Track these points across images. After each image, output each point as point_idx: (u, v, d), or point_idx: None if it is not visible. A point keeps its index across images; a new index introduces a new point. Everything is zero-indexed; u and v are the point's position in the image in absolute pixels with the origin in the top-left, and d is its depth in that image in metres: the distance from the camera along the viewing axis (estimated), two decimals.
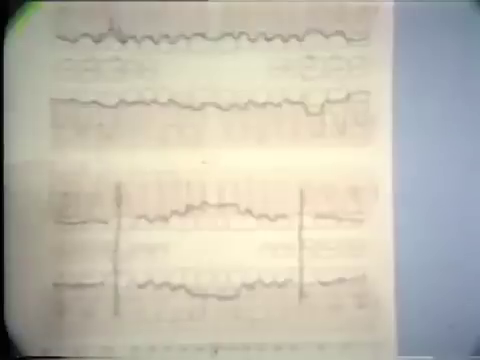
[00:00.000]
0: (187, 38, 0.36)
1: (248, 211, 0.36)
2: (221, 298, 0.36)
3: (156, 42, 0.36)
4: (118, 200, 0.36)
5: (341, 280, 0.36)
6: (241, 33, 0.36)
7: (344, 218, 0.36)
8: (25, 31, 0.35)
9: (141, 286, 0.36)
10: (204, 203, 0.36)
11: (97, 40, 0.36)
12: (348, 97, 0.36)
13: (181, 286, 0.36)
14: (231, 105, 0.36)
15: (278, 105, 0.36)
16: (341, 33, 0.36)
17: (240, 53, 0.36)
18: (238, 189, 0.36)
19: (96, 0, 0.35)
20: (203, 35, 0.36)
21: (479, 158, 0.36)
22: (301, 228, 0.36)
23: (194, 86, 0.36)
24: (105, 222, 0.36)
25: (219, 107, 0.36)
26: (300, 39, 0.36)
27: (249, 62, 0.36)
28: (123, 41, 0.36)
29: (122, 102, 0.36)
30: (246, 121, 0.36)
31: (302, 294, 0.36)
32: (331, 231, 0.36)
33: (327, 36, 0.36)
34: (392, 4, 0.35)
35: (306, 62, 0.36)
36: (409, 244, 0.35)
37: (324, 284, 0.36)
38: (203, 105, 0.36)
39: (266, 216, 0.36)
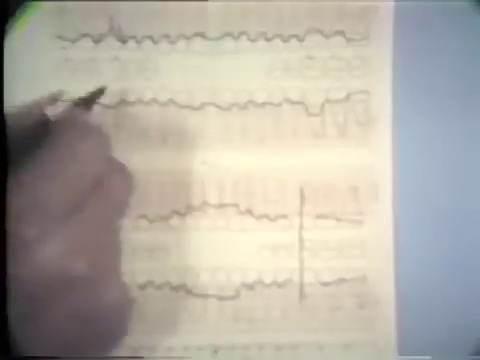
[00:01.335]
0: (187, 38, 0.36)
1: (248, 211, 0.36)
2: (221, 298, 0.36)
3: (156, 42, 0.36)
4: None
5: (341, 280, 0.36)
6: (241, 33, 0.36)
7: (344, 218, 0.36)
8: (25, 30, 0.35)
9: (141, 286, 0.36)
10: (204, 203, 0.36)
11: (97, 40, 0.36)
12: (348, 97, 0.36)
13: (181, 286, 0.36)
14: (231, 105, 0.36)
15: (278, 105, 0.36)
16: (341, 33, 0.36)
17: (240, 53, 0.36)
18: (238, 189, 0.36)
19: (96, 0, 0.35)
20: (203, 35, 0.36)
21: None
22: (301, 228, 0.36)
23: (194, 86, 0.36)
24: None
25: (219, 107, 0.36)
26: (300, 39, 0.36)
27: (249, 62, 0.36)
28: (123, 41, 0.36)
29: (122, 102, 0.36)
30: (246, 121, 0.36)
31: (302, 294, 0.36)
32: (331, 231, 0.36)
33: (327, 36, 0.36)
34: (392, 4, 0.35)
35: (306, 62, 0.36)
36: (409, 244, 0.35)
37: (324, 284, 0.36)
38: (203, 105, 0.36)
39: (266, 216, 0.36)
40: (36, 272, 0.26)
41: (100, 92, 0.34)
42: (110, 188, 0.30)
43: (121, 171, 0.31)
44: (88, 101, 0.34)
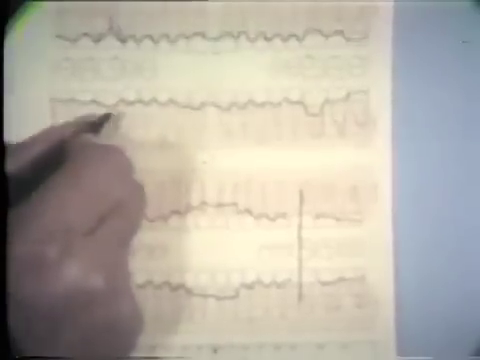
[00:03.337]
0: (187, 38, 0.36)
1: (247, 211, 0.36)
2: (220, 298, 0.36)
3: (155, 42, 0.36)
4: None
5: (340, 280, 0.36)
6: (241, 33, 0.36)
7: (343, 218, 0.36)
8: (25, 30, 0.35)
9: (141, 286, 0.36)
10: (203, 203, 0.36)
11: (96, 40, 0.36)
12: (347, 97, 0.36)
13: (180, 286, 0.36)
14: (231, 105, 0.36)
15: (278, 105, 0.36)
16: (340, 33, 0.36)
17: (240, 53, 0.36)
18: (237, 189, 0.36)
19: (96, 0, 0.35)
20: (203, 35, 0.36)
21: (479, 158, 0.36)
22: (300, 228, 0.36)
23: (193, 86, 0.36)
24: None
25: (219, 107, 0.36)
26: (300, 39, 0.36)
27: (249, 62, 0.36)
28: (123, 41, 0.36)
29: (121, 102, 0.36)
30: (246, 121, 0.36)
31: (301, 294, 0.36)
32: (330, 231, 0.36)
33: (326, 36, 0.36)
34: (392, 4, 0.35)
35: (305, 62, 0.36)
36: (408, 244, 0.35)
37: (323, 284, 0.36)
38: (202, 105, 0.36)
39: (265, 216, 0.36)
40: (57, 289, 0.27)
41: (107, 117, 0.35)
42: (128, 207, 0.30)
43: (139, 191, 0.32)
44: (96, 126, 0.34)
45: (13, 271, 0.26)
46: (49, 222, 0.27)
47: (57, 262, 0.27)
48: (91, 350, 0.28)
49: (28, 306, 0.27)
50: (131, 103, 0.36)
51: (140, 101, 0.36)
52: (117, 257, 0.30)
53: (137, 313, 0.30)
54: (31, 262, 0.27)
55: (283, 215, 0.36)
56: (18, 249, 0.27)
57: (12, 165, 0.30)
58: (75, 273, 0.27)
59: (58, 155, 0.30)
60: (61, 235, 0.27)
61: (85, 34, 0.36)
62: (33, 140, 0.32)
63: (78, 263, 0.27)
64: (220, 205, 0.36)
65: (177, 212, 0.36)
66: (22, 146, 0.32)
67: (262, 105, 0.36)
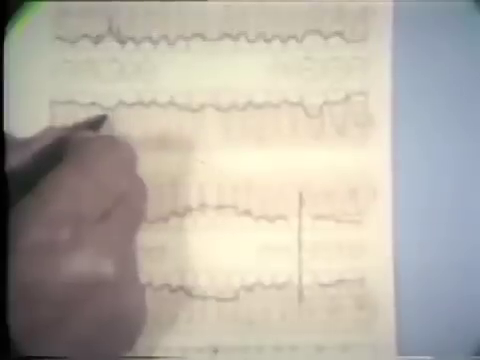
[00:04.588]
0: (186, 39, 0.36)
1: (247, 212, 0.36)
2: (220, 300, 0.36)
3: (155, 43, 0.36)
4: None
5: (340, 281, 0.36)
6: (240, 34, 0.36)
7: (343, 219, 0.36)
8: (25, 31, 0.35)
9: None
10: (203, 204, 0.36)
11: (96, 41, 0.36)
12: (347, 98, 0.36)
13: (180, 288, 0.36)
14: (230, 106, 0.36)
15: (277, 106, 0.36)
16: (340, 34, 0.36)
17: (239, 54, 0.36)
18: (237, 190, 0.36)
19: (95, 0, 0.35)
20: (202, 36, 0.36)
21: (479, 158, 0.36)
22: (300, 229, 0.36)
23: (193, 87, 0.36)
24: None
25: (218, 108, 0.36)
26: (299, 40, 0.36)
27: (248, 63, 0.36)
28: (122, 42, 0.36)
29: (121, 103, 0.36)
30: (245, 122, 0.36)
31: (301, 296, 0.36)
32: (330, 232, 0.36)
33: (326, 37, 0.36)
34: (391, 4, 0.35)
35: (305, 63, 0.36)
36: (408, 245, 0.35)
37: (323, 285, 0.36)
38: (202, 106, 0.36)
39: (265, 217, 0.36)
40: (68, 273, 0.27)
41: (104, 118, 0.35)
42: (134, 198, 0.31)
43: (141, 183, 0.33)
44: (94, 126, 0.34)
45: (23, 256, 0.27)
46: (60, 208, 0.28)
47: (69, 246, 0.27)
48: (95, 340, 0.29)
49: (37, 291, 0.27)
50: (130, 104, 0.36)
51: (140, 102, 0.36)
52: (126, 247, 0.30)
53: (143, 305, 0.31)
54: (43, 245, 0.27)
55: (283, 216, 0.36)
56: (30, 234, 0.27)
57: (14, 161, 0.31)
58: (86, 258, 0.28)
59: (58, 151, 0.31)
60: (72, 221, 0.28)
61: (84, 35, 0.36)
62: (34, 137, 0.33)
63: (89, 249, 0.28)
64: (219, 206, 0.36)
65: (176, 213, 0.36)
66: (23, 143, 0.32)
67: (262, 106, 0.36)
